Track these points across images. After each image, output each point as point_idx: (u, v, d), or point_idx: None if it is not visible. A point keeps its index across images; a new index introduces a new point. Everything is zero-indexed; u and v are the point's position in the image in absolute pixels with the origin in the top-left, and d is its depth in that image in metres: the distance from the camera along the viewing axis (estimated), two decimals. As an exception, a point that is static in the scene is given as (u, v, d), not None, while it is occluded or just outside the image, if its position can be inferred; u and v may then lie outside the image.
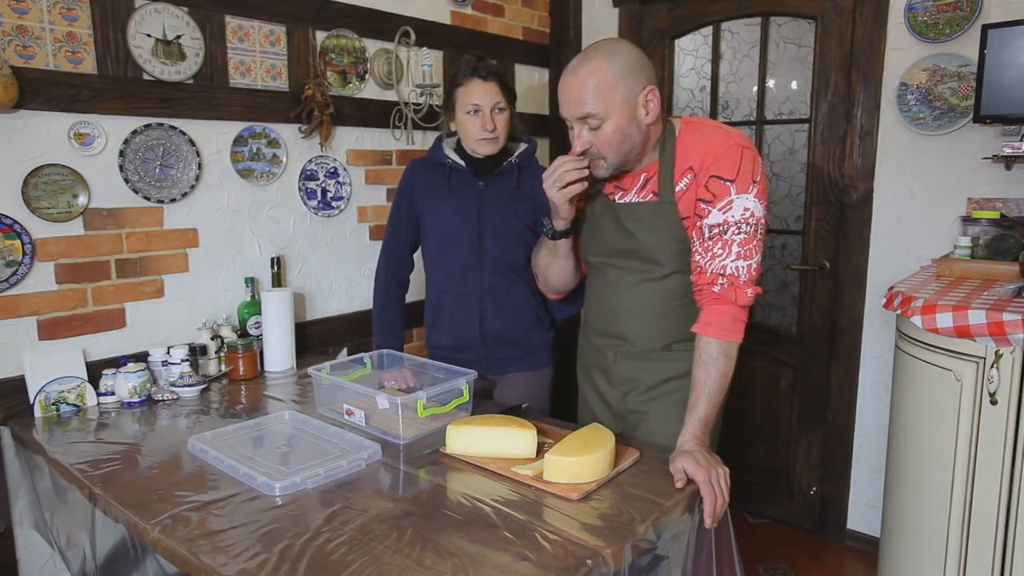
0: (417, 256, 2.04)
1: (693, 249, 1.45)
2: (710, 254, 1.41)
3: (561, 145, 3.19)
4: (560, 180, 1.44)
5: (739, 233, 1.39)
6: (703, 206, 1.42)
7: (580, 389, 1.77)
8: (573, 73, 1.41)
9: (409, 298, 2.05)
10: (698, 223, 1.43)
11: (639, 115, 1.41)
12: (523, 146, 1.93)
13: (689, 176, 1.44)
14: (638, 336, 1.57)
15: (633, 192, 1.53)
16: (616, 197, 1.56)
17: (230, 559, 1.09)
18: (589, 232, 1.62)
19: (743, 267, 1.39)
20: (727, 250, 1.39)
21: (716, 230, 1.40)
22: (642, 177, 1.52)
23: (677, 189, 1.45)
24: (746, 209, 1.39)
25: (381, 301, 2.00)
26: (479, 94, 1.78)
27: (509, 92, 1.82)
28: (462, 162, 1.88)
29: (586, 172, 1.44)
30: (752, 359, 2.83)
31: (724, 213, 1.39)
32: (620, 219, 1.53)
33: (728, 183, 1.39)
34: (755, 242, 1.40)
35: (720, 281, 1.39)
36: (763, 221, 1.42)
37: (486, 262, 1.87)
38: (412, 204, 1.94)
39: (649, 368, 1.57)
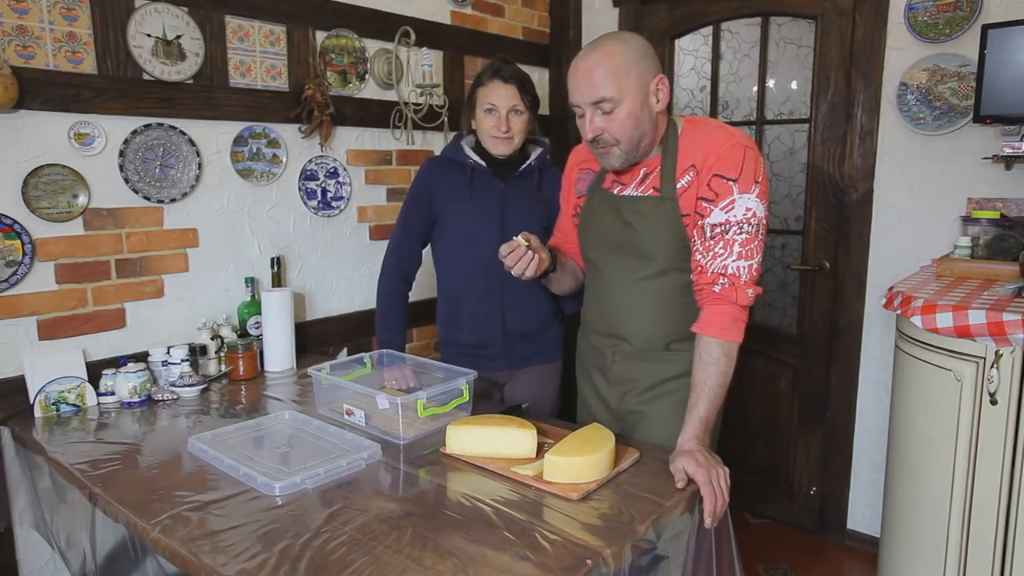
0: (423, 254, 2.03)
1: (694, 248, 1.45)
2: (711, 253, 1.41)
3: (561, 145, 3.19)
4: (517, 272, 1.53)
5: (741, 233, 1.39)
6: (705, 205, 1.42)
7: (579, 389, 1.77)
8: (585, 58, 1.41)
9: (411, 297, 2.04)
10: (699, 222, 1.43)
11: (650, 102, 1.42)
12: (539, 149, 1.95)
13: (691, 174, 1.44)
14: (636, 335, 1.57)
15: (632, 186, 1.53)
16: (615, 190, 1.56)
17: (230, 559, 1.09)
18: (588, 226, 1.63)
19: (744, 267, 1.39)
20: (728, 250, 1.39)
21: (718, 229, 1.40)
22: (641, 172, 1.52)
23: (679, 186, 1.45)
24: (748, 209, 1.39)
25: (387, 299, 1.99)
26: (497, 96, 1.82)
27: (529, 96, 1.85)
28: (483, 163, 1.89)
29: (528, 253, 1.51)
30: (752, 359, 2.83)
31: (726, 212, 1.40)
32: (620, 211, 1.53)
33: (731, 182, 1.39)
34: (756, 242, 1.40)
35: (721, 281, 1.39)
36: (764, 221, 1.42)
37: None
38: (430, 203, 1.93)
39: (648, 368, 1.57)
